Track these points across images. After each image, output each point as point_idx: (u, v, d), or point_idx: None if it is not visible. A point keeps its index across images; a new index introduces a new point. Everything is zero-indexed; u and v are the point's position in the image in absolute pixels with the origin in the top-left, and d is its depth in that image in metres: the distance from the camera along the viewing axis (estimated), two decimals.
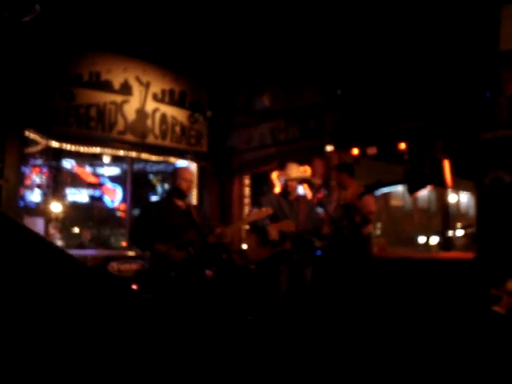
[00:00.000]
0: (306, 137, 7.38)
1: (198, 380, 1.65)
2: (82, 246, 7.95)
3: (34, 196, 6.92)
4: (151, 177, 9.30)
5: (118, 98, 7.54)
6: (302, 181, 5.66)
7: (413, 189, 5.83)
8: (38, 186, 6.98)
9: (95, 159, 8.39)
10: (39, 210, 6.91)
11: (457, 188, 7.81)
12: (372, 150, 6.50)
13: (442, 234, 6.92)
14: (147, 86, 7.83)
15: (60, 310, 1.49)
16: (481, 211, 5.53)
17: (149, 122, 7.86)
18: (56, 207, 7.39)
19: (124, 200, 8.29)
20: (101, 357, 1.46)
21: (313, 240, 5.40)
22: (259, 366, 4.03)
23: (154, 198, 9.10)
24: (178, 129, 8.20)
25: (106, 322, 1.57)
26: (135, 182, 8.23)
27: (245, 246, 7.04)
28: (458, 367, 3.89)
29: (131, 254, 7.22)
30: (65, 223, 7.95)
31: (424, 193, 7.60)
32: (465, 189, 8.47)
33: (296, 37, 6.72)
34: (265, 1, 6.15)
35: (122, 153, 7.82)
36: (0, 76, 5.96)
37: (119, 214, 8.57)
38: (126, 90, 7.61)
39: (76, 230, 8.42)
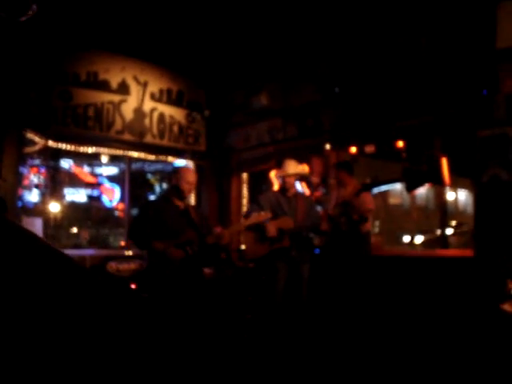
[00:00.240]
0: (303, 135, 7.39)
1: (197, 378, 1.66)
2: (80, 246, 7.95)
3: (32, 196, 6.91)
4: (149, 176, 9.29)
5: (116, 98, 7.54)
6: (300, 178, 5.66)
7: (411, 187, 5.83)
8: (36, 186, 6.97)
9: (93, 159, 8.37)
10: (37, 210, 6.90)
11: (455, 186, 7.83)
12: (370, 148, 6.51)
13: (426, 232, 6.96)
14: (145, 85, 7.82)
15: (58, 311, 1.49)
16: (479, 209, 5.53)
17: (147, 121, 7.85)
18: (54, 207, 7.38)
19: (122, 199, 8.28)
20: (100, 356, 1.46)
21: (311, 237, 5.41)
22: (258, 363, 4.04)
23: (152, 197, 9.09)
24: (175, 128, 8.19)
25: (105, 322, 1.57)
26: (133, 182, 8.23)
27: (243, 245, 7.05)
28: (461, 365, 3.89)
29: (130, 253, 7.23)
30: (63, 223, 7.93)
31: (422, 191, 7.61)
32: (463, 186, 8.49)
33: (293, 35, 6.72)
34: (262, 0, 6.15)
35: (120, 152, 7.82)
36: None
37: (117, 213, 8.56)
38: (123, 89, 7.61)
39: (74, 229, 8.41)
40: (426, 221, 8.21)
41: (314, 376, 3.91)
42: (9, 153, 6.18)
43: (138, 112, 7.76)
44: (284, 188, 5.23)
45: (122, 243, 7.99)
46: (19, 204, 6.51)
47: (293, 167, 5.20)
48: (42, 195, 7.07)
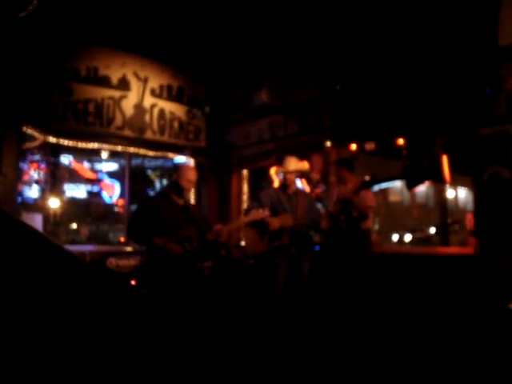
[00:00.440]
0: (304, 132, 7.38)
1: (197, 375, 1.66)
2: (80, 242, 7.95)
3: (32, 192, 6.90)
4: (149, 172, 9.29)
5: (116, 94, 7.53)
6: (300, 175, 5.66)
7: (411, 184, 5.83)
8: (36, 182, 6.96)
9: (93, 155, 8.36)
10: (37, 206, 6.90)
11: (455, 183, 7.82)
12: (370, 146, 6.51)
13: (416, 231, 6.97)
14: (145, 81, 7.81)
15: (58, 306, 1.49)
16: (479, 206, 5.53)
17: (147, 117, 7.84)
18: (54, 203, 7.38)
19: (122, 195, 8.28)
20: (99, 352, 1.46)
21: (311, 234, 5.41)
22: (257, 360, 4.04)
23: (151, 194, 9.08)
24: (176, 124, 8.18)
25: (105, 317, 1.57)
26: (133, 178, 8.23)
27: (243, 242, 7.04)
28: (464, 362, 3.89)
29: (129, 249, 7.22)
30: (63, 219, 7.93)
31: (422, 188, 7.61)
32: (463, 184, 8.48)
33: (294, 32, 6.70)
34: None
35: (120, 148, 7.81)
36: None
37: (117, 209, 8.56)
38: (123, 85, 7.60)
39: (74, 225, 8.41)
40: (425, 219, 8.20)
41: (313, 373, 3.92)
42: (9, 148, 6.17)
43: (139, 108, 7.75)
44: (284, 185, 5.23)
45: (122, 239, 7.99)
46: (19, 200, 6.50)
47: (293, 164, 5.19)
48: (42, 191, 7.06)
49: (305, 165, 6.37)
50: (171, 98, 8.12)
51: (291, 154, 5.48)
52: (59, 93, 6.96)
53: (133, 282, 5.79)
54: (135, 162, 8.46)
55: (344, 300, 5.27)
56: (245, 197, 8.47)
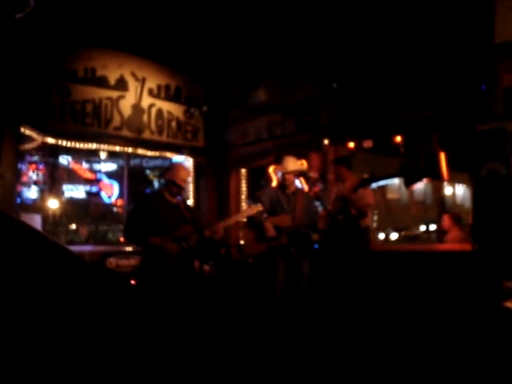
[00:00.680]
0: (302, 131, 7.39)
1: (196, 373, 1.67)
2: (79, 242, 7.96)
3: (31, 193, 6.91)
4: (148, 172, 9.30)
5: (114, 94, 7.53)
6: (298, 174, 5.67)
7: (409, 182, 5.85)
8: (35, 183, 6.97)
9: (92, 155, 8.38)
10: (36, 207, 6.91)
11: (453, 180, 7.85)
12: (368, 144, 6.53)
13: (402, 229, 7.00)
14: (143, 81, 7.81)
15: (59, 305, 1.50)
16: (477, 203, 5.55)
17: (145, 117, 7.85)
18: (53, 203, 7.39)
19: (121, 195, 8.29)
20: (100, 350, 1.47)
21: (310, 233, 5.42)
22: (257, 359, 4.05)
23: (146, 192, 9.08)
24: (174, 124, 8.19)
25: (106, 315, 1.58)
26: (132, 178, 8.24)
27: (242, 241, 7.06)
28: (463, 360, 3.91)
29: (129, 249, 7.23)
30: (62, 219, 7.94)
31: (420, 185, 7.63)
32: (461, 181, 8.51)
33: (291, 31, 6.71)
34: None
35: (118, 148, 7.82)
36: None
37: (116, 209, 8.57)
38: (121, 85, 7.60)
39: (73, 226, 8.42)
40: (423, 216, 8.23)
41: (313, 371, 3.93)
42: (7, 149, 6.17)
43: (137, 108, 7.75)
44: (283, 185, 5.25)
45: (121, 239, 8.00)
46: (18, 201, 6.51)
47: (292, 164, 5.21)
48: (41, 192, 7.07)
49: (303, 164, 6.40)
50: (169, 97, 8.13)
51: (289, 152, 5.50)
52: (57, 94, 6.96)
53: (133, 282, 5.80)
54: (134, 161, 8.47)
55: (343, 298, 5.28)
56: (243, 196, 8.48)
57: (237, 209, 8.34)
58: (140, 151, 8.03)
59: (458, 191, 8.77)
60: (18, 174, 6.45)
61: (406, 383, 3.72)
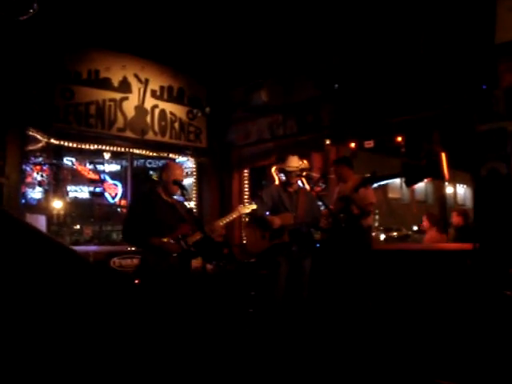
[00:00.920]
0: (303, 131, 7.42)
1: (197, 371, 1.70)
2: (83, 242, 8.00)
3: (35, 193, 6.96)
4: (151, 172, 9.36)
5: (117, 96, 7.57)
6: (300, 174, 5.71)
7: (410, 182, 5.88)
8: (39, 184, 7.02)
9: (95, 156, 8.43)
10: (41, 208, 6.96)
11: (454, 180, 7.87)
12: (369, 144, 6.55)
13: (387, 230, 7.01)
14: (146, 83, 7.86)
15: (62, 304, 1.53)
16: (478, 202, 5.57)
17: (148, 118, 7.89)
18: (57, 204, 7.44)
19: (125, 196, 8.34)
20: (102, 348, 1.50)
21: (312, 232, 5.46)
22: (259, 357, 4.09)
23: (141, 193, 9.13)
24: (177, 125, 8.23)
25: (109, 314, 1.61)
26: (135, 178, 8.28)
27: (244, 241, 7.09)
28: (466, 354, 3.94)
29: (133, 249, 7.26)
30: (66, 220, 7.99)
31: (421, 185, 7.65)
32: (461, 181, 8.52)
33: (293, 32, 6.74)
34: None
35: (121, 149, 7.87)
36: (0, 74, 6.00)
37: (120, 209, 8.63)
38: (124, 87, 7.64)
39: (77, 226, 8.47)
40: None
41: (316, 369, 3.96)
42: (12, 151, 6.23)
43: (140, 109, 7.79)
44: (286, 183, 5.29)
45: None
46: (22, 201, 6.56)
47: (295, 163, 5.26)
48: (45, 192, 7.12)
49: (306, 163, 6.44)
50: (172, 99, 8.17)
51: (291, 152, 5.53)
52: (61, 95, 7.01)
53: (136, 282, 5.83)
54: (137, 162, 8.52)
55: (345, 296, 5.31)
56: (245, 196, 8.52)
57: None
58: (143, 152, 8.08)
59: (459, 191, 8.78)
60: (22, 175, 6.49)
61: (408, 380, 3.75)
